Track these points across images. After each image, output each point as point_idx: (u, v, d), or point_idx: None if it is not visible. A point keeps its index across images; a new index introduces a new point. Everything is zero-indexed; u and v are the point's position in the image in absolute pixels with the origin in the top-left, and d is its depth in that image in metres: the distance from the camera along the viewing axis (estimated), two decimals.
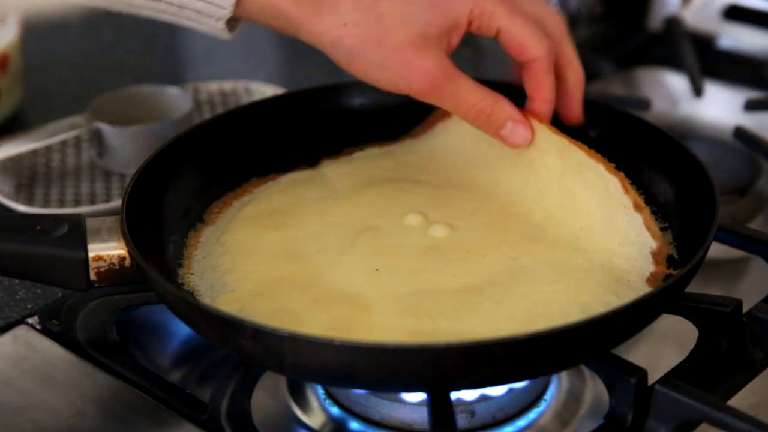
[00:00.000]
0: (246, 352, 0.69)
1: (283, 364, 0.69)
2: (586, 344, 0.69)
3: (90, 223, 0.78)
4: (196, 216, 0.85)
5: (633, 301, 0.70)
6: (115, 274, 0.77)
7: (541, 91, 0.83)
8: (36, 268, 0.76)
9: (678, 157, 0.83)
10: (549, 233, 0.80)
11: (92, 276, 0.77)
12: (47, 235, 0.76)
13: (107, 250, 0.77)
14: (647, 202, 0.82)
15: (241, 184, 0.88)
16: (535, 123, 0.83)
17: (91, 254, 0.76)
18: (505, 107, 0.82)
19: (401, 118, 0.93)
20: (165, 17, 0.84)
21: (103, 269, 0.77)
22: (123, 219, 0.76)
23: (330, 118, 0.92)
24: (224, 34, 0.84)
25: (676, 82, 1.20)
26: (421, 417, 0.76)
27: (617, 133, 0.88)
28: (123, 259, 0.77)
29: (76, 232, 0.77)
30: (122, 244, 0.76)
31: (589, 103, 0.89)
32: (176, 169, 0.85)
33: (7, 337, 0.82)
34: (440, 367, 0.67)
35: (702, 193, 0.79)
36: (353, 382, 0.72)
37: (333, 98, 0.93)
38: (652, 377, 0.73)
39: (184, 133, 0.87)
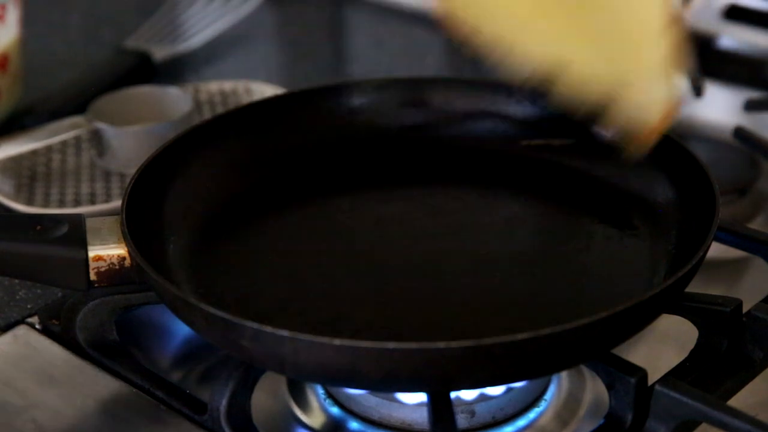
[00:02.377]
0: (246, 352, 0.69)
1: (283, 364, 0.69)
2: (586, 344, 0.69)
3: (90, 223, 0.78)
4: (196, 216, 0.85)
5: (633, 301, 0.70)
6: (115, 274, 0.77)
7: None
8: (36, 268, 0.76)
9: (678, 157, 0.83)
10: None
11: (92, 276, 0.76)
12: (47, 235, 0.76)
13: (107, 250, 0.76)
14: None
15: None
16: None
17: (91, 254, 0.76)
18: None
19: (401, 117, 0.93)
20: None
21: (103, 269, 0.76)
22: (123, 219, 0.76)
23: (330, 118, 0.92)
24: None
25: (676, 82, 1.20)
26: (421, 417, 0.76)
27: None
28: (123, 259, 0.77)
29: (76, 232, 0.77)
30: (122, 244, 0.76)
31: None
32: (176, 169, 0.85)
33: (7, 337, 0.82)
34: (440, 367, 0.67)
35: (702, 193, 0.79)
36: (353, 382, 0.72)
37: (333, 98, 0.93)
38: (652, 377, 0.73)
39: (184, 133, 0.87)
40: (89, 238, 0.77)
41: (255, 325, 0.68)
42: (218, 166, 0.87)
